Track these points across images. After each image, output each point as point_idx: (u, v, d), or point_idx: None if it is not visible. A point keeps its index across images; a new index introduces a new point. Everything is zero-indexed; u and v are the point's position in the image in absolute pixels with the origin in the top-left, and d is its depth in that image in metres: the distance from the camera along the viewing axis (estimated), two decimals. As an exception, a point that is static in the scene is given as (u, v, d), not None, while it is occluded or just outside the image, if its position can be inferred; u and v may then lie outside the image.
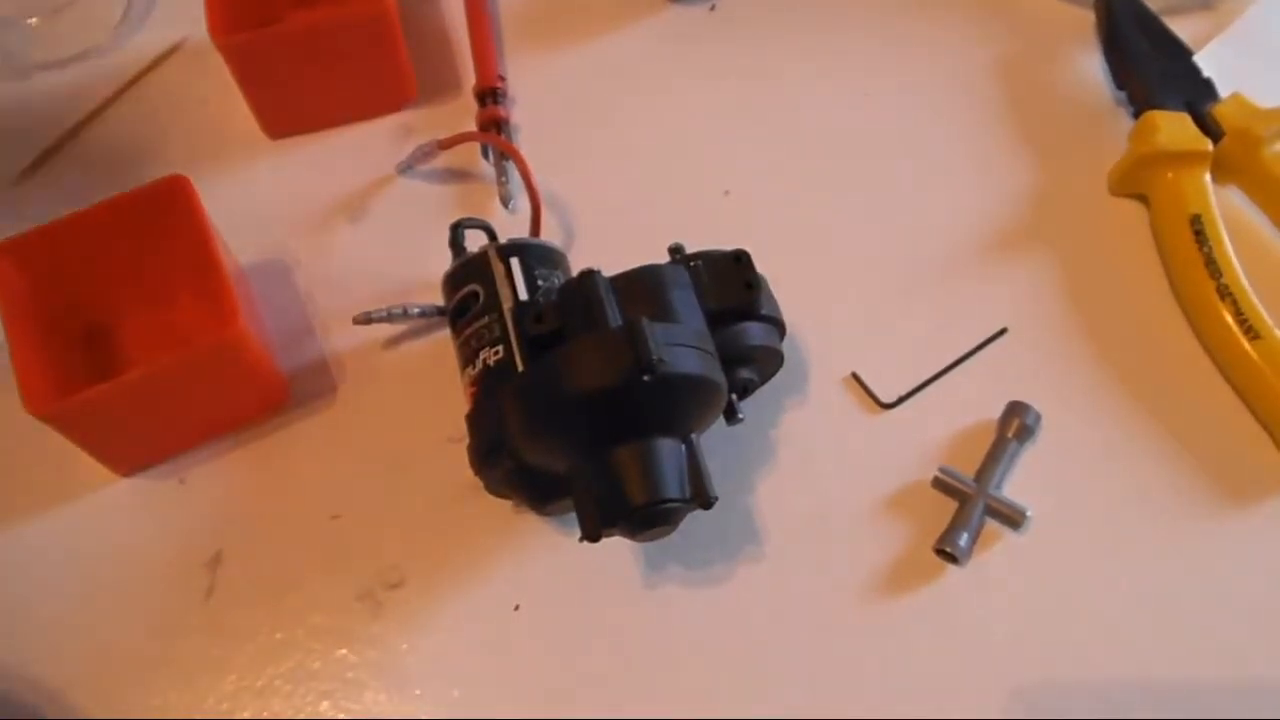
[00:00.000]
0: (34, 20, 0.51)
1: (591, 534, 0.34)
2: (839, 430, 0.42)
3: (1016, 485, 0.40)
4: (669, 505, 0.34)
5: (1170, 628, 0.38)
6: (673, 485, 0.34)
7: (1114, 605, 0.38)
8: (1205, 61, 0.47)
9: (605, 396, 0.33)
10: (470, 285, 0.38)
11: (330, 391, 0.43)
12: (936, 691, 0.37)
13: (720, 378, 0.35)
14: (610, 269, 0.37)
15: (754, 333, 0.38)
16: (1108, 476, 0.40)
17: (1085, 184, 0.47)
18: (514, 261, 0.38)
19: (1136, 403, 0.42)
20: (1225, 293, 0.41)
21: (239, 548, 0.40)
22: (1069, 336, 0.43)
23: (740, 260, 0.38)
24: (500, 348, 0.36)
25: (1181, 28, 0.48)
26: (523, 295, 0.37)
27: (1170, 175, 0.44)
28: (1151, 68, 0.47)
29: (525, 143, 0.49)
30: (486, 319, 0.37)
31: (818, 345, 0.43)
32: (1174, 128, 0.45)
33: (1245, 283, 0.41)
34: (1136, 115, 0.47)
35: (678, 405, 0.35)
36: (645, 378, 0.33)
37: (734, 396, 0.38)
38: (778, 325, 0.40)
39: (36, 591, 0.40)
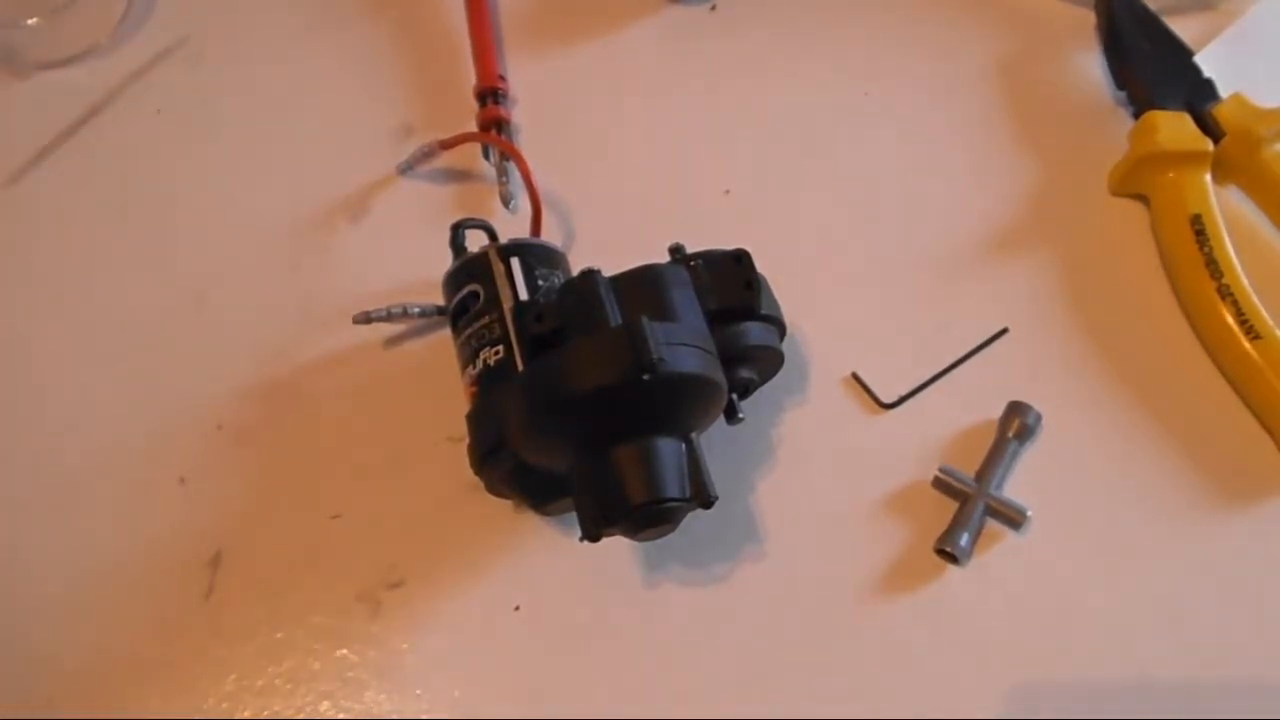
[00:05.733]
0: (34, 20, 0.51)
1: (591, 534, 0.34)
2: (839, 430, 0.42)
3: (1016, 485, 0.40)
4: (669, 505, 0.34)
5: (1170, 628, 0.38)
6: (673, 485, 0.34)
7: (1114, 605, 0.38)
8: (1205, 61, 0.47)
9: (605, 396, 0.33)
10: (470, 285, 0.38)
11: (330, 392, 0.43)
12: (936, 691, 0.37)
13: (720, 377, 0.35)
14: (610, 269, 0.37)
15: (754, 333, 0.38)
16: (1108, 476, 0.40)
17: (1085, 184, 0.47)
18: (514, 261, 0.38)
19: (1136, 403, 0.42)
20: (1225, 293, 0.41)
21: (239, 548, 0.40)
22: (1069, 336, 0.43)
23: (740, 260, 0.38)
24: (500, 347, 0.36)
25: (1181, 28, 0.48)
26: (523, 295, 0.37)
27: (1170, 175, 0.44)
28: (1151, 68, 0.47)
29: (525, 143, 0.49)
30: (487, 319, 0.37)
31: (818, 345, 0.43)
32: (1174, 128, 0.45)
33: (1245, 283, 0.41)
34: (1136, 115, 0.47)
35: (678, 404, 0.35)
36: (645, 377, 0.33)
37: (734, 396, 0.38)
38: (778, 325, 0.40)
39: (36, 591, 0.40)
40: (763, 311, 0.38)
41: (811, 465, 0.41)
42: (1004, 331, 0.44)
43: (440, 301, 0.41)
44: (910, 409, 0.42)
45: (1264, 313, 0.41)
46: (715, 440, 0.39)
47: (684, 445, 0.35)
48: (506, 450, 0.35)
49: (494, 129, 0.49)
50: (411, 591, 0.39)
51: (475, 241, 0.42)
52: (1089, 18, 0.51)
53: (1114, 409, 0.42)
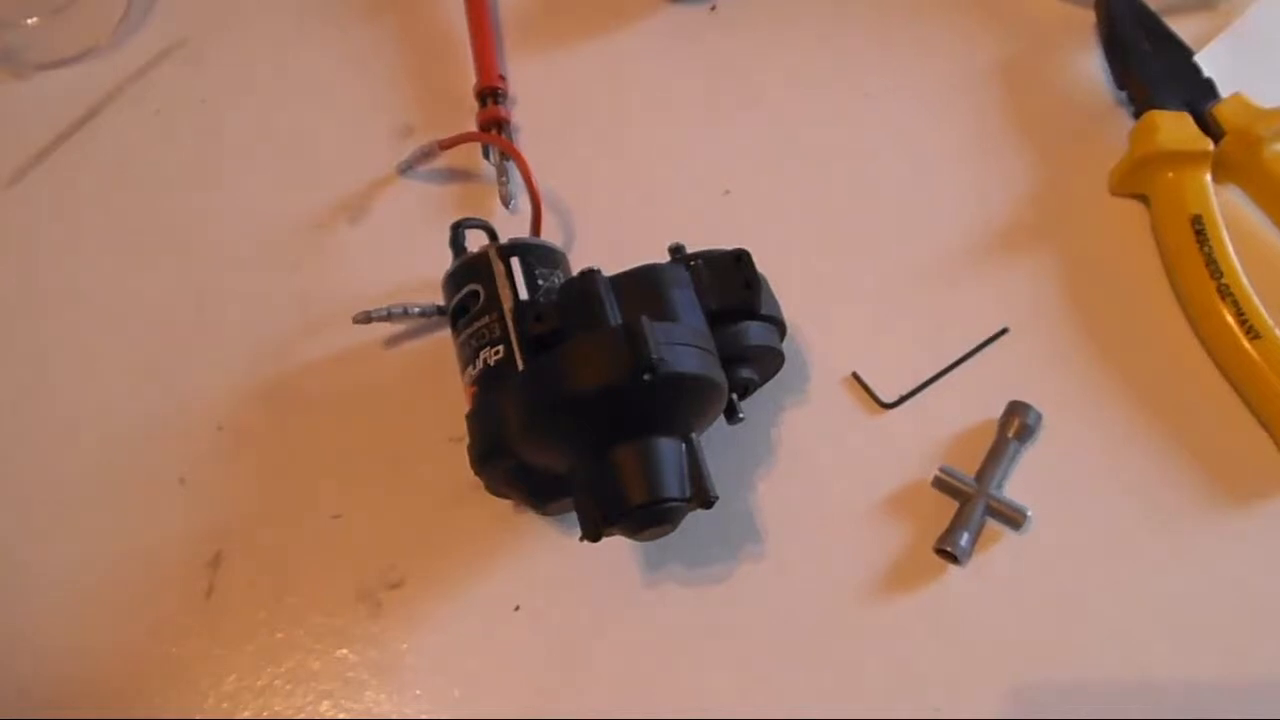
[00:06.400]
0: (34, 20, 0.51)
1: (591, 534, 0.34)
2: (839, 430, 0.42)
3: (1017, 485, 0.40)
4: (669, 505, 0.34)
5: (1170, 628, 0.38)
6: (673, 485, 0.34)
7: (1114, 605, 0.38)
8: (1206, 61, 0.47)
9: (605, 396, 0.33)
10: (470, 285, 0.38)
11: (330, 392, 0.43)
12: (936, 691, 0.37)
13: (720, 377, 0.35)
14: (610, 269, 0.37)
15: (754, 332, 0.38)
16: (1108, 476, 0.40)
17: (1085, 184, 0.47)
18: (514, 261, 0.38)
19: (1136, 403, 0.42)
20: (1225, 293, 0.41)
21: (239, 548, 0.40)
22: (1069, 336, 0.43)
23: (740, 260, 0.38)
24: (500, 347, 0.36)
25: (1181, 28, 0.48)
26: (523, 295, 0.37)
27: (1171, 175, 0.44)
28: (1151, 68, 0.47)
29: (525, 143, 0.49)
30: (487, 319, 0.37)
31: (818, 345, 0.43)
32: (1174, 128, 0.45)
33: (1245, 283, 0.41)
34: (1137, 115, 0.47)
35: (678, 404, 0.35)
36: (645, 377, 0.33)
37: (734, 396, 0.38)
38: (778, 325, 0.40)
39: (36, 591, 0.40)
40: (763, 311, 0.38)
41: (811, 465, 0.41)
42: (1004, 331, 0.43)
43: (440, 301, 0.41)
44: (910, 409, 0.42)
45: (1264, 313, 0.41)
46: (715, 440, 0.39)
47: (684, 445, 0.35)
48: (506, 450, 0.35)
49: (494, 129, 0.49)
50: (411, 591, 0.39)
51: (475, 241, 0.42)
52: (1089, 18, 0.51)
53: (1114, 409, 0.42)
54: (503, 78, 0.50)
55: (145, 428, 0.43)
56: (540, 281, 0.38)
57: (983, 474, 0.40)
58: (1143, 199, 0.46)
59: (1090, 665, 0.37)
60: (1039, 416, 0.41)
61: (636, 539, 0.35)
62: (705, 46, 0.52)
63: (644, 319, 0.34)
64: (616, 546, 0.39)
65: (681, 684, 0.37)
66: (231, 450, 0.42)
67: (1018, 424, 0.40)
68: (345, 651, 0.38)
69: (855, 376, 0.43)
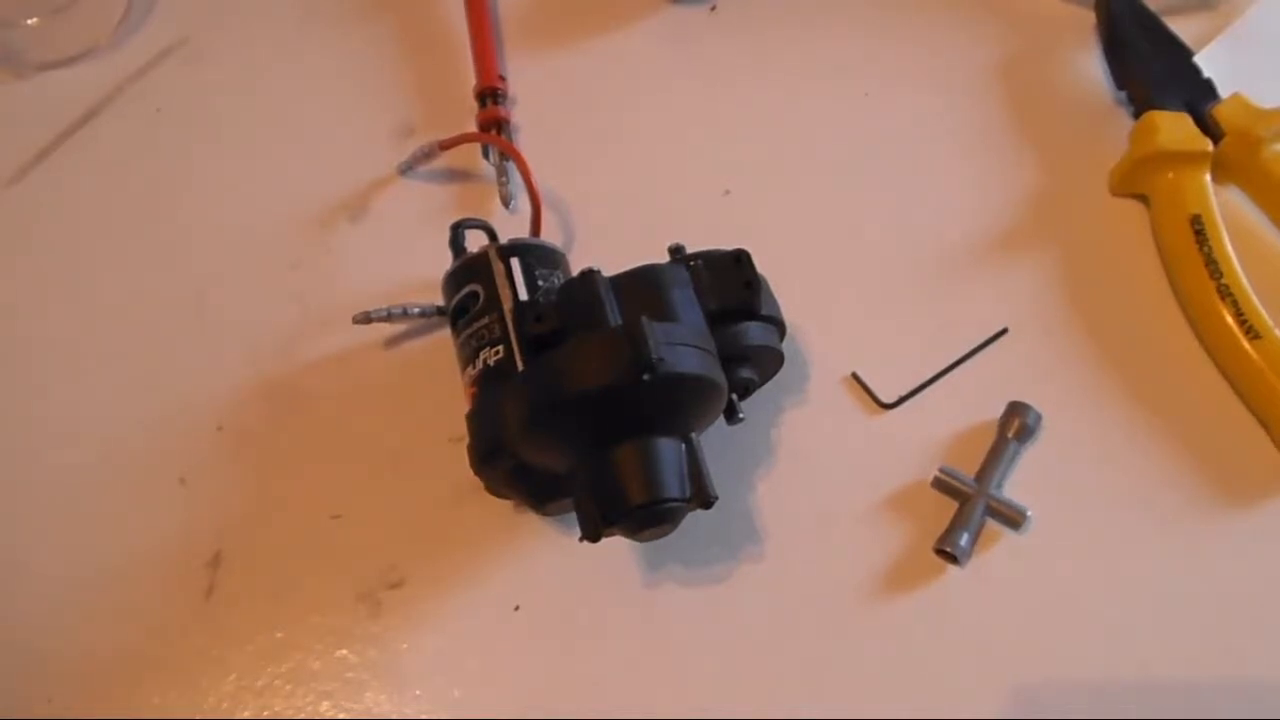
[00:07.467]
0: (34, 20, 0.51)
1: (591, 534, 0.34)
2: (839, 430, 0.42)
3: (1016, 485, 0.40)
4: (669, 505, 0.34)
5: (1170, 628, 0.38)
6: (673, 485, 0.34)
7: (1114, 605, 0.38)
8: (1205, 61, 0.47)
9: (605, 396, 0.33)
10: (470, 285, 0.38)
11: (330, 392, 0.43)
12: (936, 691, 0.37)
13: (720, 377, 0.35)
14: (610, 269, 0.37)
15: (754, 333, 0.38)
16: (1108, 476, 0.40)
17: (1085, 184, 0.47)
18: (514, 261, 0.38)
19: (1136, 403, 0.42)
20: (1225, 293, 0.41)
21: (239, 548, 0.40)
22: (1069, 336, 0.43)
23: (740, 260, 0.38)
24: (500, 347, 0.36)
25: (1181, 28, 0.48)
26: (523, 295, 0.37)
27: (1170, 175, 0.44)
28: (1151, 68, 0.47)
29: (525, 143, 0.49)
30: (486, 319, 0.37)
31: (818, 345, 0.43)
32: (1174, 128, 0.45)
33: (1245, 283, 0.41)
34: (1136, 115, 0.47)
35: (678, 404, 0.35)
36: (645, 377, 0.33)
37: (734, 396, 0.38)
38: (778, 325, 0.40)
39: (36, 591, 0.40)
40: (763, 311, 0.38)
41: (811, 465, 0.41)
42: (1004, 331, 0.43)
43: (440, 301, 0.41)
44: (910, 409, 0.42)
45: (1264, 313, 0.41)
46: (715, 440, 0.39)
47: (684, 445, 0.35)
48: (506, 450, 0.35)
49: (494, 129, 0.49)
50: (411, 591, 0.39)
51: (475, 241, 0.42)
52: (1089, 18, 0.51)
53: (1114, 409, 0.42)
54: (503, 78, 0.50)
55: (145, 428, 0.43)
56: (540, 282, 0.38)
57: (983, 474, 0.40)
58: (1143, 199, 0.46)
59: (1090, 665, 0.37)
60: (1039, 416, 0.41)
61: (636, 539, 0.35)
62: (705, 46, 0.52)
63: (644, 319, 0.34)
64: (616, 546, 0.39)
65: (681, 684, 0.37)
66: (231, 450, 0.42)
67: (1018, 424, 0.40)
68: (345, 651, 0.38)
69: (855, 376, 0.43)
